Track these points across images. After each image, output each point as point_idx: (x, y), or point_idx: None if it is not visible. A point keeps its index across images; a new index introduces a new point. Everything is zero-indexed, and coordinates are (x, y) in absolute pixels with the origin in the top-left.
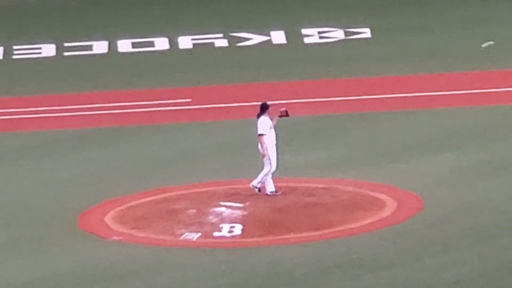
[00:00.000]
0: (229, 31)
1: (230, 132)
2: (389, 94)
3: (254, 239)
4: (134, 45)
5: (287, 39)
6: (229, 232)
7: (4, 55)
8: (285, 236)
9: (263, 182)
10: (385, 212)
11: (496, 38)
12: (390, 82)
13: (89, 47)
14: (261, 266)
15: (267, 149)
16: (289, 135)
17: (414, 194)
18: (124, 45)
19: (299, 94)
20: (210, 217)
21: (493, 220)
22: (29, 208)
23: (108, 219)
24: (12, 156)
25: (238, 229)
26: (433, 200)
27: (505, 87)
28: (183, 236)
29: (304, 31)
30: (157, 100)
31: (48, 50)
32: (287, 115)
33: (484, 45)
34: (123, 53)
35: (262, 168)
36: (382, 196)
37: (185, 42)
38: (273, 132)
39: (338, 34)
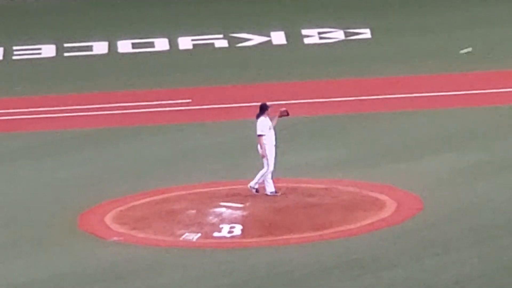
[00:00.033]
0: (229, 31)
1: (230, 133)
2: (389, 94)
3: (254, 240)
4: (134, 45)
5: (287, 40)
6: (229, 232)
7: (4, 56)
8: (285, 237)
9: (261, 183)
10: (385, 213)
11: (496, 38)
12: (390, 83)
13: (89, 48)
14: (261, 267)
15: (265, 150)
16: (289, 136)
17: (414, 194)
18: (124, 46)
19: (299, 94)
20: (210, 217)
21: (493, 221)
22: (29, 208)
23: (108, 219)
24: (12, 156)
25: (238, 229)
26: (433, 200)
27: (505, 88)
28: (183, 236)
29: (304, 31)
30: (157, 100)
31: (48, 50)
32: (287, 114)
33: (462, 51)
34: (123, 54)
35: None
36: (382, 197)
37: (185, 42)
38: (272, 132)
39: (338, 34)
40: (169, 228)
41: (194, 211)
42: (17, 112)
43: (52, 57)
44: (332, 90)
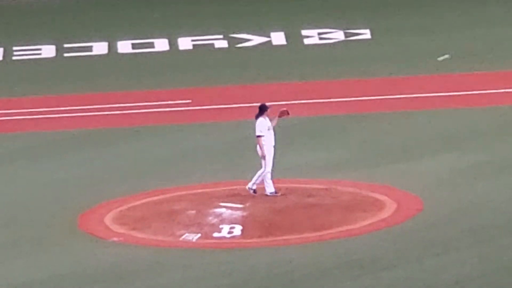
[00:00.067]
0: (229, 32)
1: (230, 133)
2: (389, 95)
3: (253, 240)
4: (134, 46)
5: (287, 40)
6: (229, 233)
7: (4, 56)
8: (285, 237)
9: (260, 183)
10: (385, 213)
11: (495, 38)
12: (389, 83)
13: (89, 48)
14: (261, 267)
15: (264, 150)
16: (289, 136)
17: (414, 195)
18: (124, 46)
19: (299, 95)
20: (210, 218)
21: (493, 221)
22: (29, 209)
23: (108, 219)
24: (12, 156)
25: (238, 230)
26: (432, 200)
27: (505, 88)
28: (183, 237)
29: (304, 32)
30: (157, 101)
31: (48, 51)
32: (288, 114)
33: (440, 58)
34: (123, 54)
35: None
36: (382, 197)
37: (185, 43)
38: (271, 133)
39: (338, 35)
40: (169, 229)
41: (194, 212)
42: (17, 112)
43: (52, 58)
44: (332, 90)
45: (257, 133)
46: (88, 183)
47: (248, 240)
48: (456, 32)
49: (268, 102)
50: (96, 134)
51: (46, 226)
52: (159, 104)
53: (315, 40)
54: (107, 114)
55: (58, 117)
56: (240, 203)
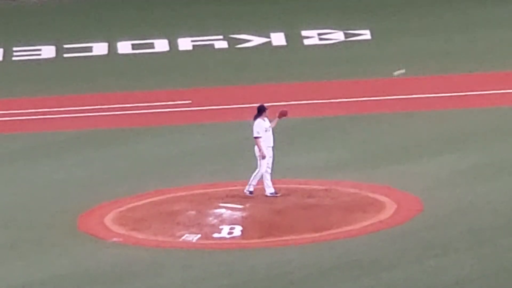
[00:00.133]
0: (229, 32)
1: (230, 134)
2: (389, 95)
3: (253, 241)
4: (133, 46)
5: (286, 41)
6: (229, 233)
7: (4, 57)
8: (284, 238)
9: (259, 183)
10: (385, 214)
11: (495, 40)
12: (390, 84)
13: (89, 49)
14: (260, 268)
15: (263, 152)
16: (288, 137)
17: (414, 195)
18: (124, 47)
19: (299, 95)
20: (210, 218)
21: (492, 222)
22: (29, 210)
23: (107, 220)
24: (12, 157)
25: (237, 230)
26: (432, 201)
27: (505, 89)
28: (183, 237)
29: (304, 32)
30: (157, 101)
31: (48, 51)
32: (286, 114)
33: (395, 73)
34: (123, 55)
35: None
36: (382, 198)
37: (185, 43)
38: (269, 134)
39: (338, 35)
40: (169, 229)
41: (194, 212)
42: (16, 113)
43: (52, 58)
44: (332, 91)
45: (255, 134)
46: (88, 183)
47: (248, 241)
48: (456, 33)
49: (268, 102)
50: (96, 134)
51: (46, 227)
52: (159, 105)
53: (315, 41)
54: (107, 115)
55: (58, 118)
56: (240, 204)
